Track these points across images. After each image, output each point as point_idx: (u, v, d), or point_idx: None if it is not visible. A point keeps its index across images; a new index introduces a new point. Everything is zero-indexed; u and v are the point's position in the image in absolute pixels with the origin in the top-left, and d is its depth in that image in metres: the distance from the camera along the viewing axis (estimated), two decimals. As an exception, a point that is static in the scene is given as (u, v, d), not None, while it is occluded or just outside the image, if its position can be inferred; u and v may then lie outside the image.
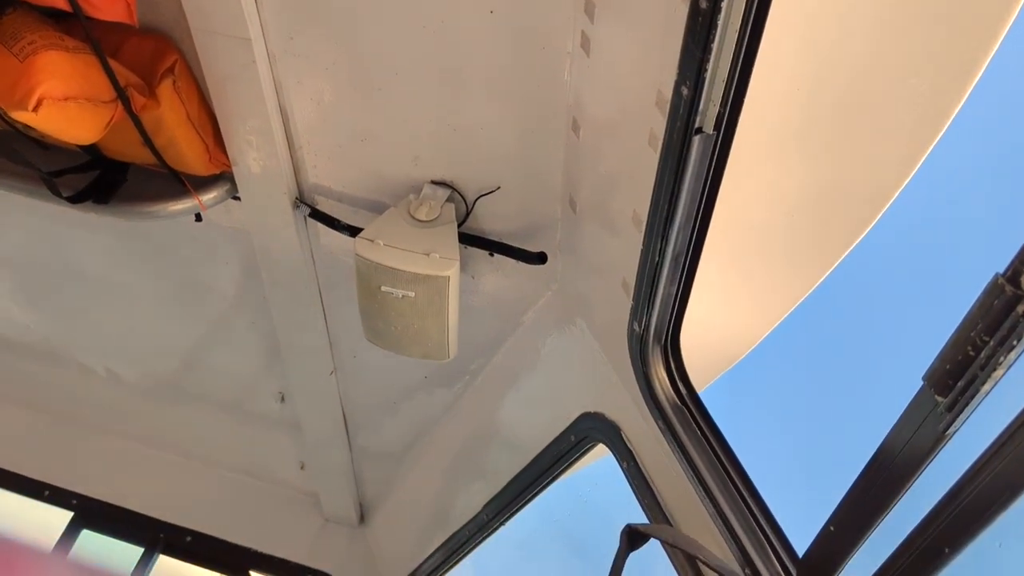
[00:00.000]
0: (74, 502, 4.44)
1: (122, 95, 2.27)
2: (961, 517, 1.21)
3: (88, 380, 4.29)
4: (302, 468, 4.40)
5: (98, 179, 2.70)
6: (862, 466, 1.47)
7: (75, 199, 2.64)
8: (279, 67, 2.43)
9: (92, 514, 4.43)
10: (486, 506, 3.32)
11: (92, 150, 2.64)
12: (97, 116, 2.23)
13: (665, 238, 1.87)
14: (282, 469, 4.47)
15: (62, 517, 4.42)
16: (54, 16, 2.21)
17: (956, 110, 1.79)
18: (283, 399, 3.99)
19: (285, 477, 4.51)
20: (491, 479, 3.28)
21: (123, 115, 2.32)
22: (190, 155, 2.57)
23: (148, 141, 2.46)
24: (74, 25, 2.19)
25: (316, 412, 3.79)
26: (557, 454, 2.88)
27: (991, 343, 1.07)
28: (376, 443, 3.99)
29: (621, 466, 2.52)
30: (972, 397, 1.14)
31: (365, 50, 2.33)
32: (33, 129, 2.22)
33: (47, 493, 4.46)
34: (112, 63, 2.22)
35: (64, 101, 2.12)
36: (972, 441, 1.21)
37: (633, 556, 1.84)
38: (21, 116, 2.08)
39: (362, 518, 4.50)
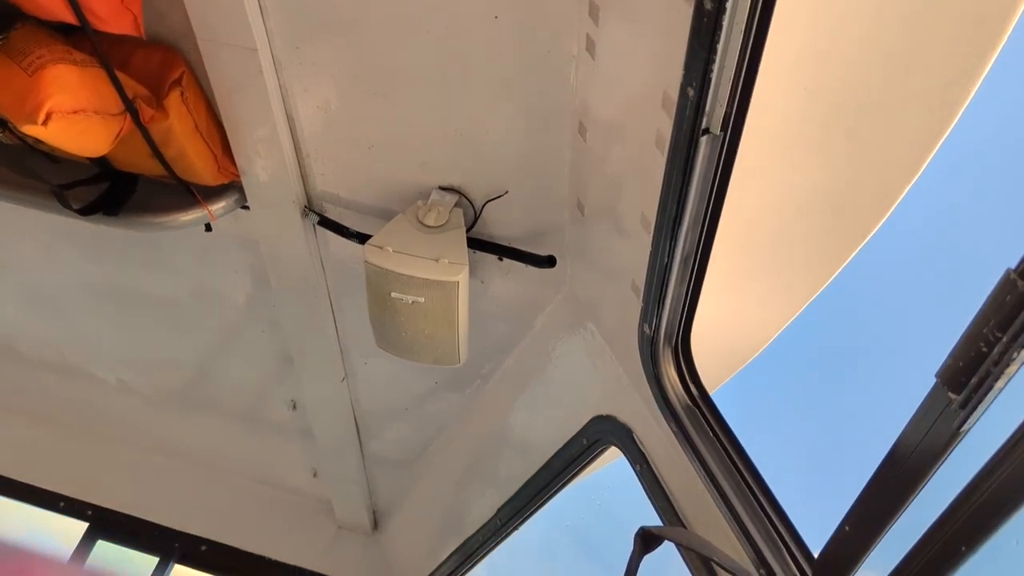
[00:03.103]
0: (89, 512, 4.46)
1: (130, 107, 2.28)
2: (977, 515, 1.21)
3: (101, 391, 4.31)
4: (315, 475, 4.41)
5: (108, 191, 2.72)
6: (876, 465, 1.46)
7: (85, 211, 2.65)
8: (285, 76, 2.44)
9: (107, 524, 4.45)
10: (499, 511, 3.32)
11: (102, 162, 2.65)
12: (106, 128, 2.25)
13: (674, 239, 1.87)
14: (295, 477, 4.47)
15: (78, 528, 4.44)
16: (62, 30, 2.22)
17: (963, 106, 1.78)
18: (295, 407, 4.00)
19: (298, 485, 4.52)
20: (503, 484, 3.28)
21: (132, 127, 2.33)
22: (199, 165, 2.58)
23: (157, 152, 2.48)
24: (82, 38, 2.20)
25: (328, 419, 3.79)
26: (569, 458, 2.87)
27: (1004, 339, 1.07)
28: (388, 449, 3.99)
29: (634, 469, 2.51)
30: (986, 394, 1.13)
31: (371, 57, 2.34)
32: (43, 143, 2.24)
33: (62, 504, 4.48)
34: (120, 75, 2.24)
35: (73, 114, 2.13)
36: (987, 437, 1.20)
37: (647, 559, 1.83)
38: (31, 130, 2.09)
39: (375, 525, 4.50)
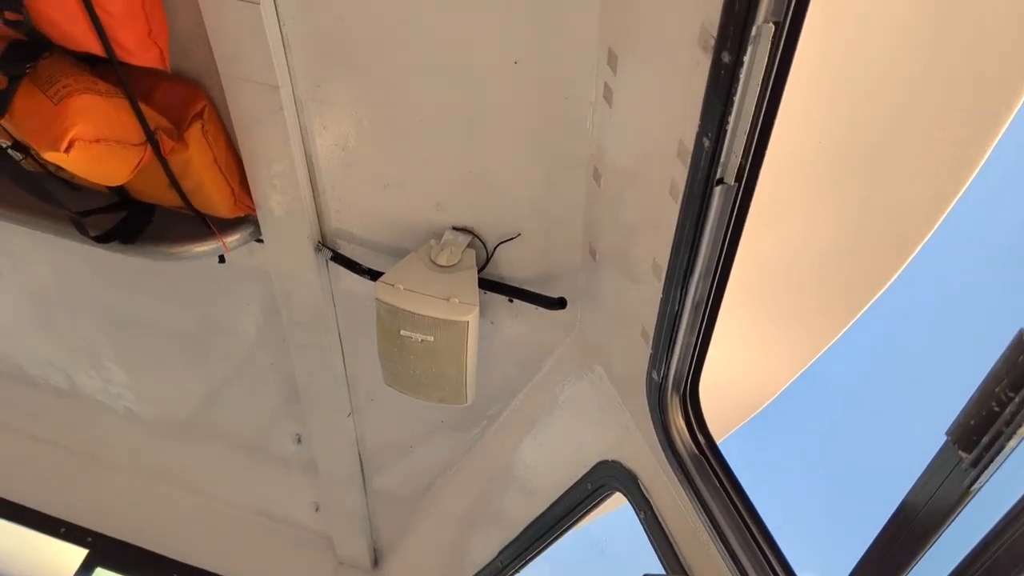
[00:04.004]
0: (89, 539, 4.44)
1: (152, 138, 2.31)
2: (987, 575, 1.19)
3: (107, 417, 4.31)
4: (317, 510, 4.38)
5: (125, 220, 2.74)
6: (884, 520, 1.45)
7: (102, 239, 2.68)
8: (305, 113, 2.47)
9: (107, 552, 4.43)
10: (501, 553, 3.29)
11: (120, 191, 2.68)
12: (126, 158, 2.28)
13: (685, 287, 1.87)
14: (297, 511, 4.45)
15: (77, 554, 4.41)
16: (88, 60, 2.26)
17: (980, 164, 1.79)
18: (299, 440, 3.99)
19: (299, 519, 4.49)
20: (506, 526, 3.25)
21: (152, 158, 2.36)
22: (216, 198, 2.60)
23: (175, 183, 2.50)
24: (108, 70, 2.24)
25: (332, 454, 3.78)
26: (574, 502, 2.85)
27: (1016, 399, 1.06)
28: (392, 486, 3.97)
29: (638, 515, 2.49)
30: (997, 453, 1.13)
31: (391, 97, 2.37)
32: (63, 170, 2.27)
33: (63, 530, 4.46)
34: (143, 107, 2.27)
35: (95, 143, 2.16)
36: (998, 497, 1.19)
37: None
38: (53, 157, 2.12)
39: (376, 562, 4.45)
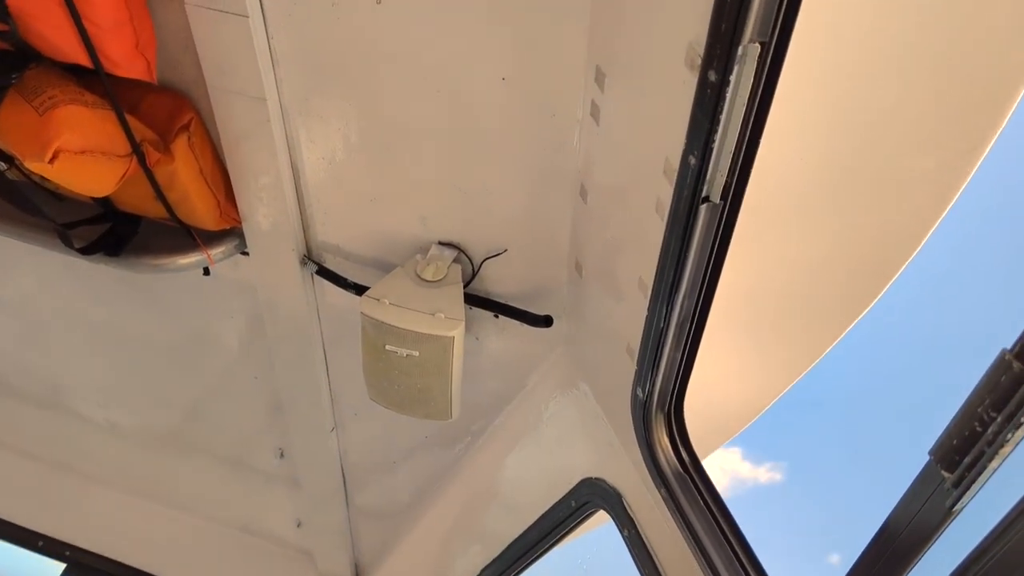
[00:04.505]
0: (67, 553, 4.39)
1: (137, 150, 2.30)
2: (968, 596, 1.19)
3: (88, 430, 4.27)
4: (299, 526, 4.35)
5: (110, 231, 2.73)
6: (868, 540, 1.45)
7: (87, 250, 2.66)
8: (292, 126, 2.47)
9: (85, 566, 4.38)
10: (483, 570, 3.27)
11: (105, 203, 2.67)
12: (112, 169, 2.27)
13: (670, 305, 1.87)
14: (278, 526, 4.41)
15: (55, 568, 4.36)
16: (76, 72, 2.25)
17: (963, 186, 1.81)
18: (282, 455, 3.96)
19: (281, 534, 4.45)
20: (490, 543, 3.23)
21: (137, 169, 2.35)
22: (201, 210, 2.59)
23: (161, 195, 2.49)
24: (94, 81, 2.23)
25: (315, 469, 3.76)
26: (557, 519, 2.84)
27: (998, 419, 1.07)
28: (374, 502, 3.95)
29: (622, 533, 2.48)
30: (979, 474, 1.13)
31: (378, 112, 2.37)
32: (48, 180, 2.25)
33: (41, 544, 4.41)
34: (129, 118, 2.26)
35: (80, 154, 2.15)
36: (980, 518, 1.19)
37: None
38: (38, 167, 2.11)
39: (357, 579, 4.43)
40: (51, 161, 2.09)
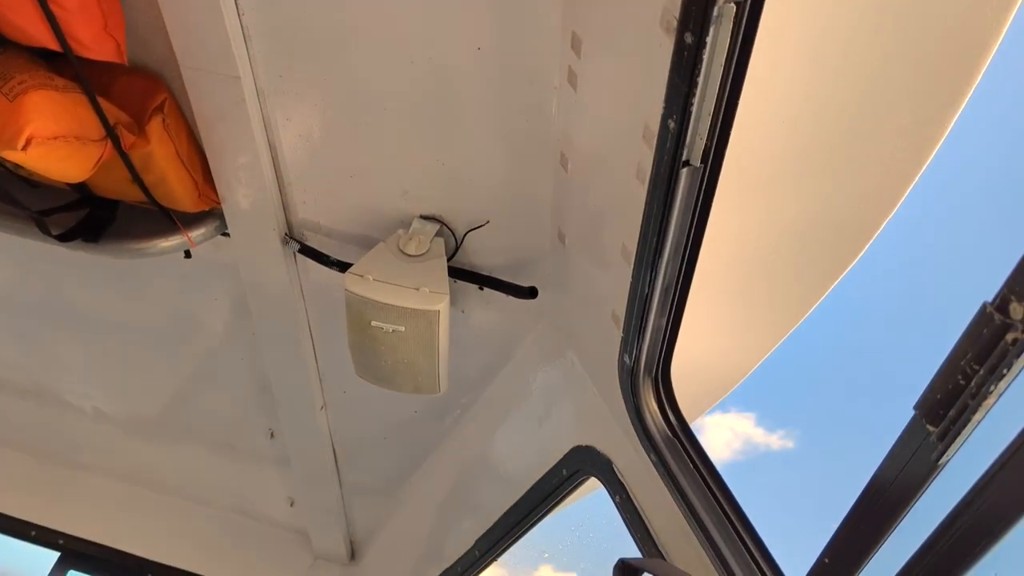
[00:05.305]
0: (61, 542, 4.38)
1: (111, 133, 2.27)
2: (956, 547, 1.21)
3: (75, 418, 4.25)
4: (291, 505, 4.36)
5: (87, 217, 2.70)
6: (856, 496, 1.46)
7: (65, 237, 2.63)
8: (268, 104, 2.45)
9: (79, 554, 4.37)
10: (478, 541, 3.29)
11: (81, 188, 2.64)
12: (86, 154, 2.24)
13: (654, 270, 1.87)
14: (271, 506, 4.42)
15: (49, 557, 4.36)
16: (45, 56, 2.21)
17: (940, 142, 1.81)
18: (272, 435, 3.96)
19: (274, 515, 4.46)
20: (483, 514, 3.25)
21: (112, 153, 2.32)
22: (179, 192, 2.57)
23: (137, 178, 2.47)
24: (64, 64, 2.20)
25: (306, 448, 3.76)
26: (549, 488, 2.86)
27: (981, 372, 1.07)
28: (367, 479, 3.96)
29: (613, 500, 2.50)
30: (964, 426, 1.14)
31: (354, 86, 2.35)
32: (22, 168, 2.22)
33: (33, 533, 4.40)
34: (102, 102, 2.23)
35: (53, 140, 2.12)
36: (965, 470, 1.21)
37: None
38: (10, 155, 2.08)
39: (352, 555, 4.44)
40: (24, 148, 2.06)
